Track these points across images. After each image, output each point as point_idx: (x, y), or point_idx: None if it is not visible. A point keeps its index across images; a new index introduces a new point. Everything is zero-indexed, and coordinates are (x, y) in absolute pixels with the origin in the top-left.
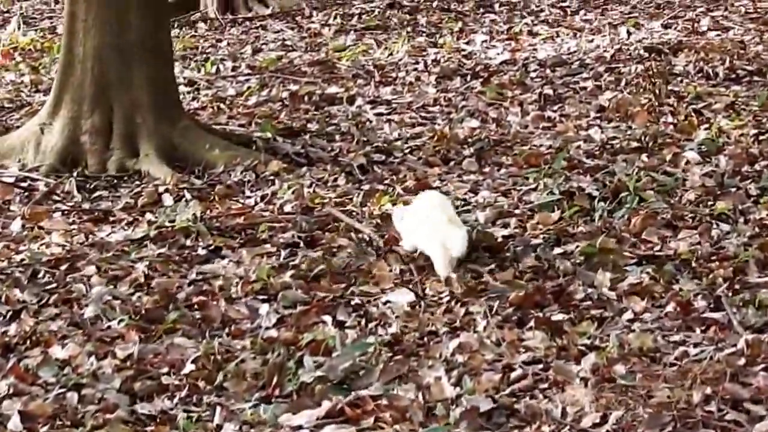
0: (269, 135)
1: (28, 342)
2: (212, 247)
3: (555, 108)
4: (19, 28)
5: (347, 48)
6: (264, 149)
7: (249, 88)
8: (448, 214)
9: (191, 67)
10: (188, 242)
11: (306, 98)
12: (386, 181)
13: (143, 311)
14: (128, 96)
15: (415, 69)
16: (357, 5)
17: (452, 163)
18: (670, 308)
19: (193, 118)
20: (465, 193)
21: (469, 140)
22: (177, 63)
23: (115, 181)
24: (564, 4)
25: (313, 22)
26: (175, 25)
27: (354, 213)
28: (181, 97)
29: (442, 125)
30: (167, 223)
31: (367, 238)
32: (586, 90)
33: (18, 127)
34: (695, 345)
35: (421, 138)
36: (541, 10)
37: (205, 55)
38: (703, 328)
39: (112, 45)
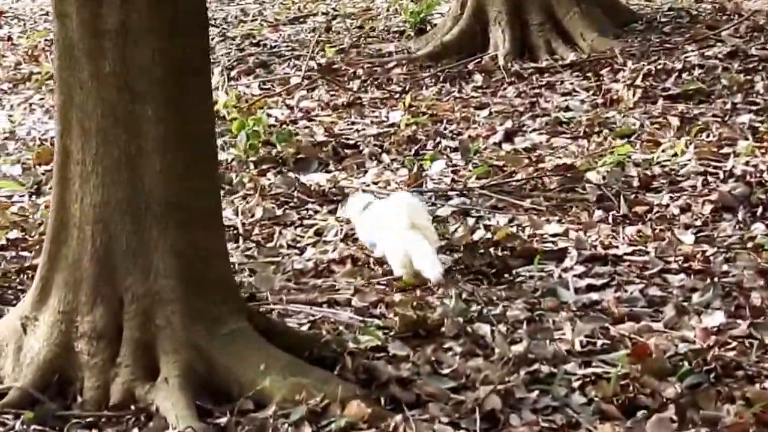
0: (376, 341)
1: None
2: None
3: None
4: None
5: (631, 135)
6: (354, 369)
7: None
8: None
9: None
10: None
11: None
12: None
13: None
14: (145, 281)
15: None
16: (691, 52)
17: None
18: None
19: (256, 314)
20: None
21: None
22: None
23: (114, 420)
24: None
25: (617, 80)
26: (441, 78)
27: None
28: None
29: None
30: None
31: None
32: None
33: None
34: None
35: None
36: None
37: (438, 140)
38: None
39: (121, 201)
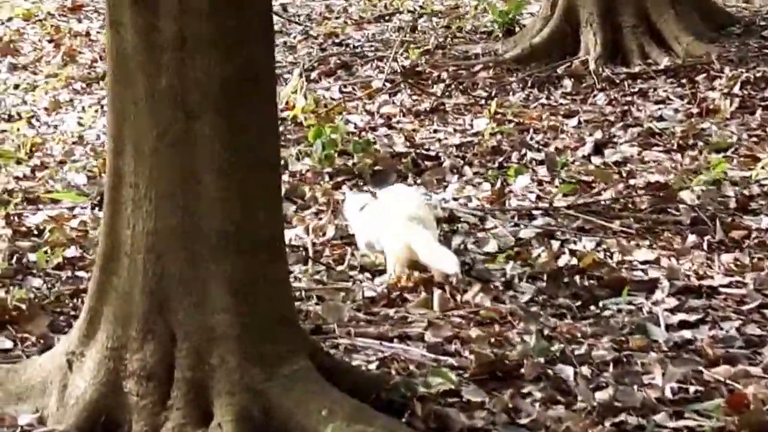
0: (449, 384)
1: None
2: None
3: None
4: None
5: (728, 149)
6: (424, 417)
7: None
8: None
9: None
10: None
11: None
12: None
13: None
14: (199, 316)
15: None
16: None
17: None
18: None
19: (319, 352)
20: None
21: None
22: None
23: None
24: None
25: (713, 88)
26: (529, 83)
27: None
28: None
29: None
30: None
31: None
32: None
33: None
34: None
35: None
36: None
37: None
38: None
39: (175, 229)
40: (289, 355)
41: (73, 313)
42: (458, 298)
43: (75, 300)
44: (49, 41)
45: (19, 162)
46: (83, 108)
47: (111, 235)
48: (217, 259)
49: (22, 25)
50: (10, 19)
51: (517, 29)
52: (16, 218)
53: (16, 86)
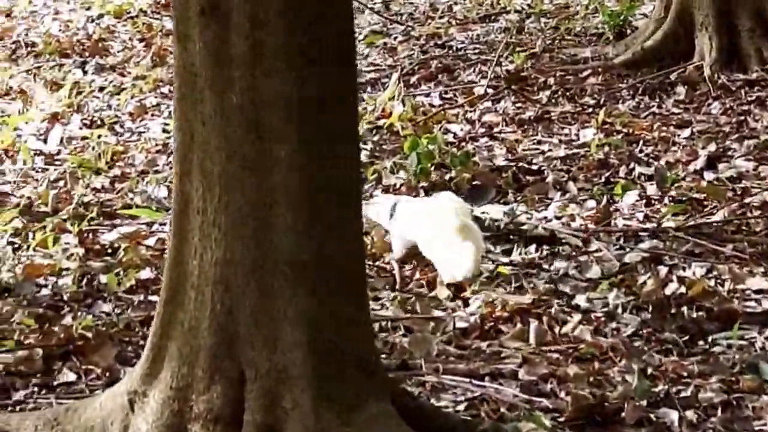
0: (543, 430)
1: None
2: None
3: None
4: None
5: None
6: None
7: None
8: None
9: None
10: None
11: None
12: None
13: None
14: (271, 354)
15: None
16: None
17: None
18: None
19: (401, 394)
20: None
21: None
22: None
23: None
24: None
25: None
26: (640, 89)
27: None
28: None
29: None
30: None
31: None
32: None
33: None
34: None
35: None
36: None
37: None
38: None
39: (246, 260)
40: (367, 397)
41: (142, 343)
42: (556, 330)
43: (145, 328)
44: (140, 40)
45: (98, 172)
46: (170, 113)
47: (177, 266)
48: (291, 294)
49: (113, 23)
50: (100, 16)
51: (628, 31)
52: (90, 235)
53: (101, 89)
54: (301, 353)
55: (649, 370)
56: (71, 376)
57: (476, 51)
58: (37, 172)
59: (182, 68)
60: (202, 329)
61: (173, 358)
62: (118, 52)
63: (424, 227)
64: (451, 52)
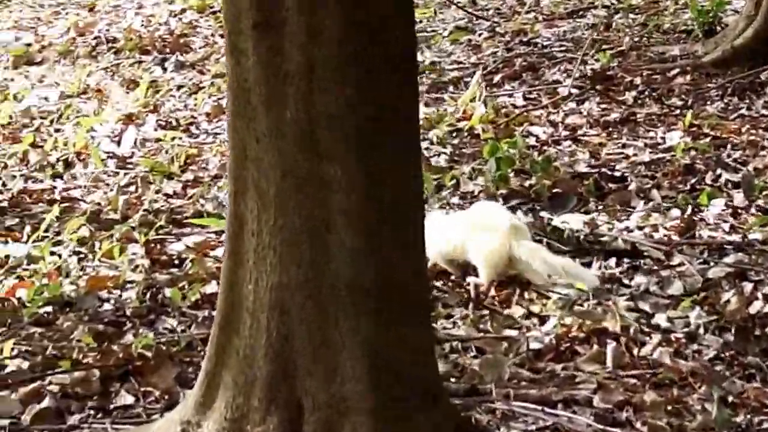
0: None
1: None
2: None
3: None
4: None
5: None
6: None
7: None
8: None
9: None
10: None
11: None
12: None
13: None
14: (329, 384)
15: None
16: None
17: None
18: None
19: (466, 425)
20: None
21: None
22: None
23: None
24: None
25: None
26: (729, 90)
27: None
28: None
29: None
30: None
31: None
32: None
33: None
34: None
35: None
36: None
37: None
38: None
39: (303, 284)
40: (430, 430)
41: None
42: (635, 352)
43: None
44: (222, 36)
45: (170, 177)
46: None
47: (231, 290)
48: (350, 320)
49: (195, 18)
50: (183, 11)
51: (718, 28)
52: (157, 245)
53: (179, 87)
54: (361, 383)
55: (730, 398)
56: (129, 399)
57: (562, 48)
58: (108, 176)
59: (235, 83)
60: (258, 357)
61: (228, 387)
62: (199, 48)
63: (471, 231)
64: (536, 49)
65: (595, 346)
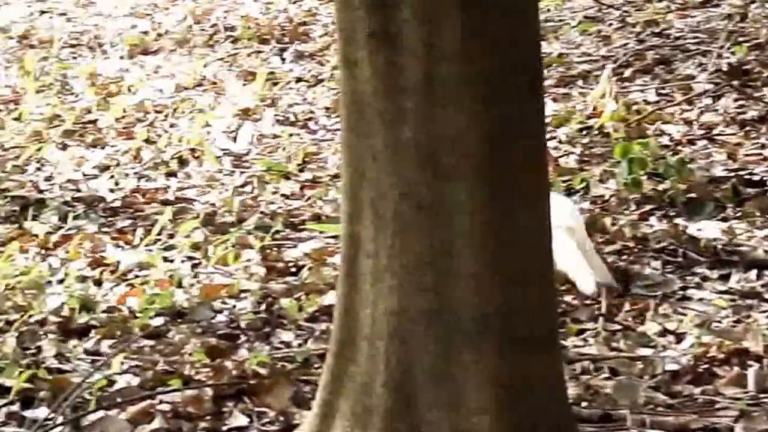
0: None
1: None
2: None
3: None
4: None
5: None
6: None
7: None
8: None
9: None
10: None
11: None
12: None
13: None
14: (453, 417)
15: None
16: None
17: None
18: None
19: None
20: None
21: None
22: None
23: None
24: None
25: None
26: None
27: None
28: None
29: None
30: None
31: None
32: None
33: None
34: None
35: None
36: None
37: None
38: None
39: (424, 312)
40: None
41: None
42: None
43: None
44: None
45: (287, 176)
46: None
47: (347, 315)
48: (475, 350)
49: (315, 4)
50: None
51: None
52: (273, 251)
53: (299, 80)
54: (487, 418)
55: None
56: (243, 420)
57: (696, 40)
58: (224, 175)
59: (349, 96)
60: (376, 387)
61: (345, 417)
62: (318, 37)
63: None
64: (668, 41)
65: (736, 368)
